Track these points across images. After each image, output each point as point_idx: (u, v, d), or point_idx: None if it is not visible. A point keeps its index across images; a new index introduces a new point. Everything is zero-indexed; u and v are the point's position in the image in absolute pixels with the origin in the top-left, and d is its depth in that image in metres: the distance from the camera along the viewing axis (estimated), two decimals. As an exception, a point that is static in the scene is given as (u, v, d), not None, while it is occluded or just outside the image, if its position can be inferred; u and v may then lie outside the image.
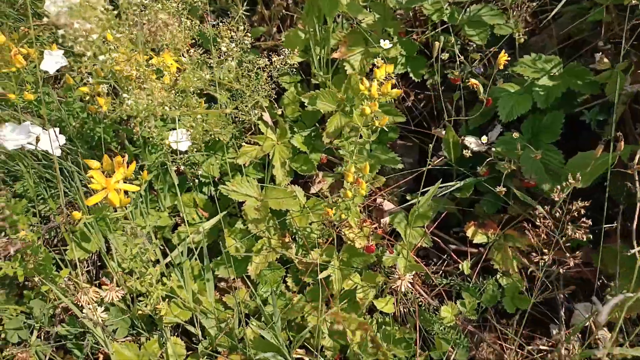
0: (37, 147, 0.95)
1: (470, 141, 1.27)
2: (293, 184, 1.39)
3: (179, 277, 1.18)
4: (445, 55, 1.39)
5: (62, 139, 0.98)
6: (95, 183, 0.76)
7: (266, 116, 1.38)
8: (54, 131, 0.96)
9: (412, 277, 1.06)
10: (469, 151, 1.24)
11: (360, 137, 1.07)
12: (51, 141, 0.96)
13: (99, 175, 0.77)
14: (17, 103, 1.01)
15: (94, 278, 1.31)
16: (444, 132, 1.33)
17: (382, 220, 1.30)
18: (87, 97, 1.03)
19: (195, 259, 1.28)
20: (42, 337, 1.19)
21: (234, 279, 1.32)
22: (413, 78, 1.46)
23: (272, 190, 1.32)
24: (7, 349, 1.16)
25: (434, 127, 1.43)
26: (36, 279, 1.30)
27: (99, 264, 1.37)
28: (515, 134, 1.17)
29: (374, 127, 0.96)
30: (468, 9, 1.40)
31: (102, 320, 1.00)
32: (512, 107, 1.23)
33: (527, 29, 1.55)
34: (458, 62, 1.34)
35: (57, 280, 1.17)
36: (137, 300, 1.19)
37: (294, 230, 1.34)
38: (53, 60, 1.00)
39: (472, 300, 1.19)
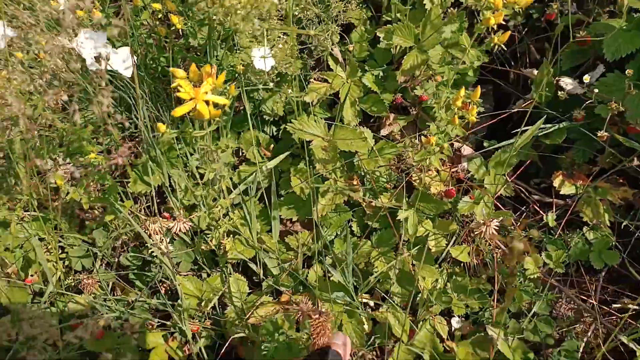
0: (109, 65, 0.90)
1: (567, 82, 1.14)
2: (362, 125, 1.30)
3: (244, 212, 1.13)
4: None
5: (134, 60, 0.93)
6: (183, 92, 0.70)
7: (336, 51, 1.29)
8: (129, 48, 0.90)
9: (498, 222, 0.97)
10: (565, 93, 1.12)
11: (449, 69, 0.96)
12: (123, 61, 0.91)
13: (187, 84, 0.71)
14: (85, 20, 0.96)
15: (153, 214, 1.28)
16: (535, 72, 1.20)
17: (459, 165, 1.20)
18: (159, 15, 0.96)
19: (259, 200, 1.23)
20: (105, 267, 1.17)
21: (295, 220, 1.27)
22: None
23: (341, 130, 1.25)
24: (71, 276, 1.15)
25: (522, 67, 1.31)
26: (97, 210, 1.28)
27: (157, 200, 1.34)
28: (629, 71, 1.03)
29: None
30: None
31: (168, 251, 0.96)
32: (620, 44, 1.09)
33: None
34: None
35: (121, 211, 1.14)
36: (202, 234, 1.15)
37: (362, 173, 1.27)
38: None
39: (560, 252, 1.09)
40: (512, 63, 1.43)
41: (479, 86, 0.93)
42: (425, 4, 1.31)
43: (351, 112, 1.29)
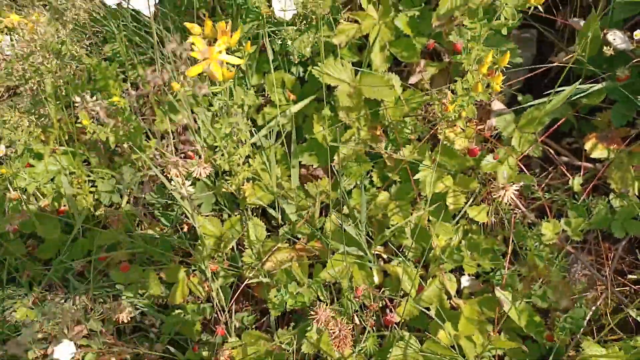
0: (130, 5, 0.88)
1: (616, 35, 1.05)
2: (390, 72, 1.25)
3: (264, 159, 1.14)
4: None
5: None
6: (197, 52, 0.68)
7: (370, -11, 1.21)
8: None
9: (518, 188, 0.95)
10: (611, 48, 1.03)
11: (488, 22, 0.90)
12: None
13: (201, 43, 0.69)
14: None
15: (179, 153, 1.30)
16: (581, 23, 1.11)
17: (488, 121, 1.16)
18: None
19: (281, 144, 1.24)
20: (131, 203, 1.23)
21: (317, 167, 1.27)
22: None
23: (368, 76, 1.21)
24: (100, 209, 1.21)
25: (572, 14, 1.20)
26: (126, 146, 1.32)
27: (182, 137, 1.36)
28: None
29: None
30: None
31: (189, 194, 0.99)
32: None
33: None
34: None
35: (146, 150, 1.17)
36: (223, 177, 1.18)
37: (386, 123, 1.24)
38: None
39: (580, 220, 1.06)
40: (560, 8, 1.32)
41: (508, 52, 0.86)
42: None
43: (380, 57, 1.24)
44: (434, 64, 1.27)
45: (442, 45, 1.27)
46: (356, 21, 1.24)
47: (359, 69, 1.22)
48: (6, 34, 0.98)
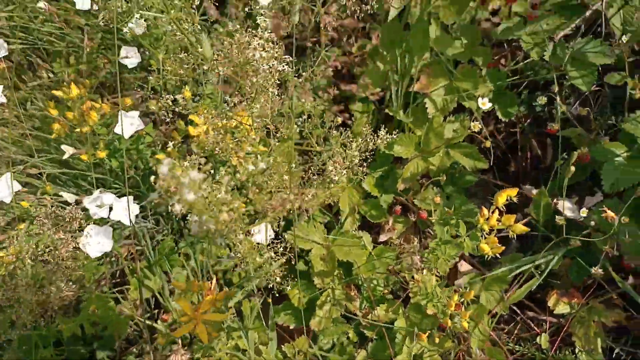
0: (110, 218, 0.90)
1: (565, 206, 1.14)
2: (361, 229, 1.31)
3: (242, 334, 1.15)
4: (542, 100, 1.23)
5: (136, 209, 0.92)
6: (184, 315, 0.70)
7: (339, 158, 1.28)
8: (128, 200, 0.90)
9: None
10: (562, 218, 1.12)
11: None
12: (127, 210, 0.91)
13: (187, 306, 0.72)
14: (89, 162, 0.95)
15: (155, 316, 1.30)
16: (534, 192, 1.20)
17: (456, 282, 1.21)
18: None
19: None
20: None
21: (293, 327, 1.29)
22: (501, 117, 1.32)
23: (339, 237, 1.25)
24: None
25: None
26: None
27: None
28: (625, 219, 1.03)
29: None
30: (570, 44, 1.22)
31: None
32: (618, 178, 1.09)
33: (631, 59, 1.35)
34: (558, 112, 1.19)
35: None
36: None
37: (359, 282, 1.28)
38: (128, 122, 0.92)
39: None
40: (512, 160, 1.43)
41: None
42: (427, 108, 1.30)
43: (350, 220, 1.29)
44: (401, 219, 1.33)
45: (408, 201, 1.34)
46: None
47: (330, 228, 1.27)
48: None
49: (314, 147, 0.96)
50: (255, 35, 0.60)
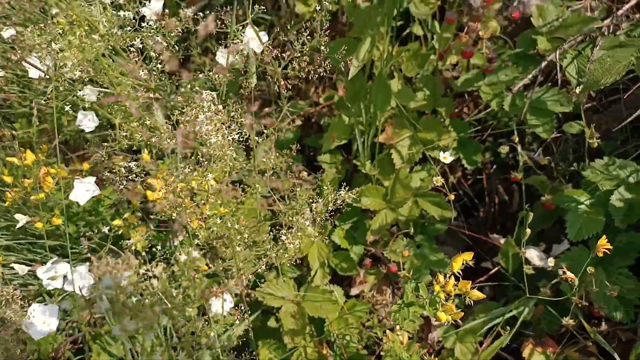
0: (63, 287, 0.86)
1: (533, 255, 1.14)
2: (332, 283, 1.28)
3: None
4: (504, 149, 1.25)
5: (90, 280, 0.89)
6: None
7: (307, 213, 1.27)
8: (84, 270, 0.87)
9: None
10: (531, 267, 1.11)
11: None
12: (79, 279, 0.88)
13: None
14: (42, 231, 0.92)
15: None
16: (502, 241, 1.20)
17: (430, 335, 1.19)
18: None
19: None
20: None
21: (267, 387, 1.24)
22: (466, 166, 1.33)
23: (310, 292, 1.22)
24: None
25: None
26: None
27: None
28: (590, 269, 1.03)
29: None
30: (529, 93, 1.26)
31: None
32: (582, 225, 1.10)
33: (589, 105, 1.40)
34: (521, 161, 1.21)
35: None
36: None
37: (332, 338, 1.24)
38: (84, 189, 0.90)
39: None
40: (480, 206, 1.44)
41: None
42: (393, 159, 1.30)
43: (320, 274, 1.27)
44: (373, 271, 1.31)
45: (378, 252, 1.33)
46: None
47: (302, 279, 1.24)
48: None
49: (278, 206, 0.94)
50: (203, 107, 0.60)
